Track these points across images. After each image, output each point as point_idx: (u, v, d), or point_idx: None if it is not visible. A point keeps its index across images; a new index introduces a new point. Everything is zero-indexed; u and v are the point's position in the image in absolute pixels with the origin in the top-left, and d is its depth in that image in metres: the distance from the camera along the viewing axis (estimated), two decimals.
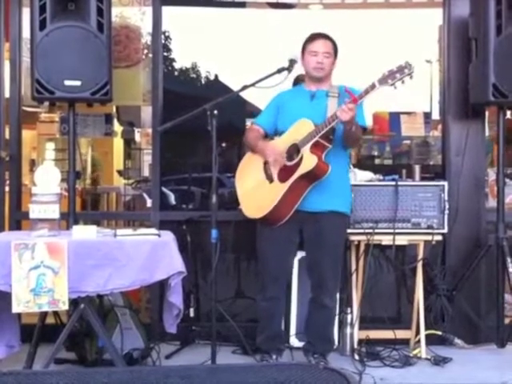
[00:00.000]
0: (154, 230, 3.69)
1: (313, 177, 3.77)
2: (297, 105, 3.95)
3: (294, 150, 3.82)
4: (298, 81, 4.51)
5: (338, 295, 4.17)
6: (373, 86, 3.65)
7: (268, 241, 3.91)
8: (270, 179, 3.88)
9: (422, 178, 4.42)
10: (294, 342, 4.39)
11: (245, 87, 3.76)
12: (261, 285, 4.03)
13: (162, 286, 4.00)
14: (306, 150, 3.75)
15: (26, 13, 4.40)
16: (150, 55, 4.78)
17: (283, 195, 3.79)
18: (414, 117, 6.23)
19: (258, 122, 4.09)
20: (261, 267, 4.04)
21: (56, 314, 3.87)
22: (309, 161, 3.74)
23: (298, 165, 3.77)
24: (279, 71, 3.83)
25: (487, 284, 4.50)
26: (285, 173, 3.83)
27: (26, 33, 4.46)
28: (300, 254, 4.28)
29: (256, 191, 3.94)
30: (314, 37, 3.94)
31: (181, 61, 9.56)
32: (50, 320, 3.85)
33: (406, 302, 4.59)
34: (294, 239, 3.96)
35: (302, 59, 3.96)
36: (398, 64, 3.64)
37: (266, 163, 3.92)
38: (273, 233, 3.86)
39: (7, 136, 4.63)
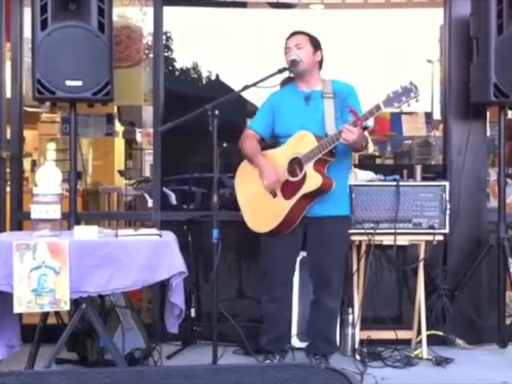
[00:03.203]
0: (155, 230, 3.69)
1: (317, 193, 3.77)
2: (292, 108, 3.90)
3: (296, 165, 3.79)
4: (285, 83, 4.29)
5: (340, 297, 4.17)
6: (378, 108, 3.62)
7: (276, 248, 3.88)
8: (273, 194, 3.85)
9: (424, 178, 4.42)
10: (296, 342, 4.39)
11: (246, 87, 3.75)
12: (266, 287, 3.99)
13: (163, 287, 4.00)
14: (309, 167, 3.73)
15: (27, 13, 4.40)
16: (151, 55, 4.78)
17: (288, 212, 3.78)
18: (415, 117, 6.22)
19: (253, 127, 4.02)
20: (268, 272, 3.98)
21: (57, 314, 3.87)
22: (313, 180, 3.72)
23: (301, 182, 3.75)
24: (280, 71, 3.83)
25: (488, 284, 4.49)
26: (288, 189, 3.81)
27: (27, 33, 4.46)
28: (301, 255, 4.27)
29: (259, 205, 3.89)
30: (288, 36, 3.96)
31: (182, 61, 9.53)
32: (52, 320, 3.86)
33: (408, 303, 4.58)
34: (299, 243, 3.96)
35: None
36: (403, 85, 3.58)
37: None
38: (280, 240, 3.85)
39: (8, 136, 4.63)
